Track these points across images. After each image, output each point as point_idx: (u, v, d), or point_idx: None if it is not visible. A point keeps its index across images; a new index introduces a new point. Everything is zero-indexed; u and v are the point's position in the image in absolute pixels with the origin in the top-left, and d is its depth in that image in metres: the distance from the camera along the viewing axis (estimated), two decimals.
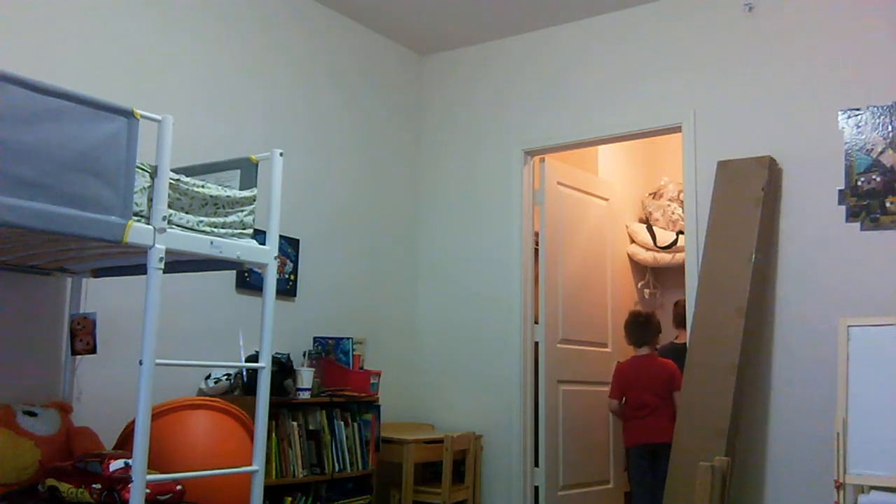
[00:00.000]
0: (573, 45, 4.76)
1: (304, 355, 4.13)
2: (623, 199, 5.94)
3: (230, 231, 2.72)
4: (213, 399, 3.32)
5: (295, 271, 4.26)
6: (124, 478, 2.53)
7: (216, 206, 2.69)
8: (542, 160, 4.89)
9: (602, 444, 5.09)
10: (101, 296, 3.24)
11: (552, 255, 4.85)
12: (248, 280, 3.96)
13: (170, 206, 2.50)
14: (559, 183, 4.95)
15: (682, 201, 5.52)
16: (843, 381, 3.30)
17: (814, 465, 3.64)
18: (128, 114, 2.41)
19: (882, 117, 3.76)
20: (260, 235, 2.87)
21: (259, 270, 2.90)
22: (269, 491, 3.32)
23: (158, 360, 2.43)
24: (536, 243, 4.85)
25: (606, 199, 5.41)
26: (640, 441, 4.51)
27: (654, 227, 5.98)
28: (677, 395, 4.34)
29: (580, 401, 4.92)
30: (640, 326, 4.70)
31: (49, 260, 2.97)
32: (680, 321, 4.97)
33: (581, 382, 4.95)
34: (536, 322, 4.77)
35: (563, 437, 4.74)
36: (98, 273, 3.16)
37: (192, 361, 3.50)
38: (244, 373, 3.63)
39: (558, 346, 4.82)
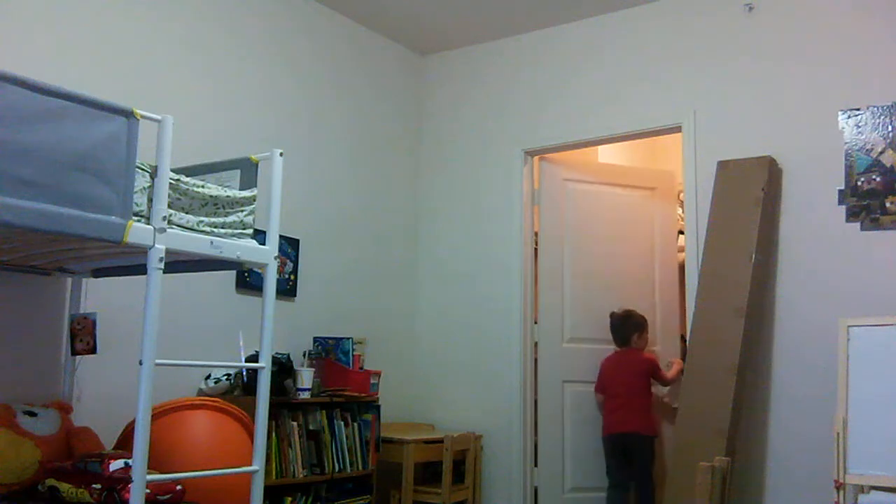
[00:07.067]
0: (573, 45, 4.76)
1: (304, 355, 4.13)
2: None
3: (230, 231, 2.72)
4: (213, 399, 3.32)
5: (295, 271, 4.26)
6: (124, 478, 2.53)
7: (216, 206, 2.68)
8: (542, 160, 4.88)
9: None
10: (101, 296, 3.24)
11: (551, 254, 4.83)
12: (248, 280, 3.96)
13: (170, 206, 2.50)
14: (565, 179, 4.91)
15: (682, 201, 5.52)
16: (843, 381, 3.30)
17: (814, 465, 3.64)
18: (128, 114, 2.40)
19: (882, 117, 3.76)
20: (260, 235, 2.87)
21: (259, 270, 2.90)
22: (269, 491, 3.33)
23: (158, 360, 2.42)
24: (537, 243, 4.85)
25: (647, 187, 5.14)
26: (609, 431, 4.58)
27: None
28: (661, 388, 4.67)
29: (585, 401, 4.89)
30: (616, 328, 4.73)
31: (49, 260, 2.97)
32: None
33: (588, 382, 4.91)
34: (537, 322, 4.76)
35: (567, 438, 4.72)
36: (98, 273, 3.16)
37: (192, 361, 3.50)
38: (244, 373, 3.63)
39: (564, 345, 4.80)
